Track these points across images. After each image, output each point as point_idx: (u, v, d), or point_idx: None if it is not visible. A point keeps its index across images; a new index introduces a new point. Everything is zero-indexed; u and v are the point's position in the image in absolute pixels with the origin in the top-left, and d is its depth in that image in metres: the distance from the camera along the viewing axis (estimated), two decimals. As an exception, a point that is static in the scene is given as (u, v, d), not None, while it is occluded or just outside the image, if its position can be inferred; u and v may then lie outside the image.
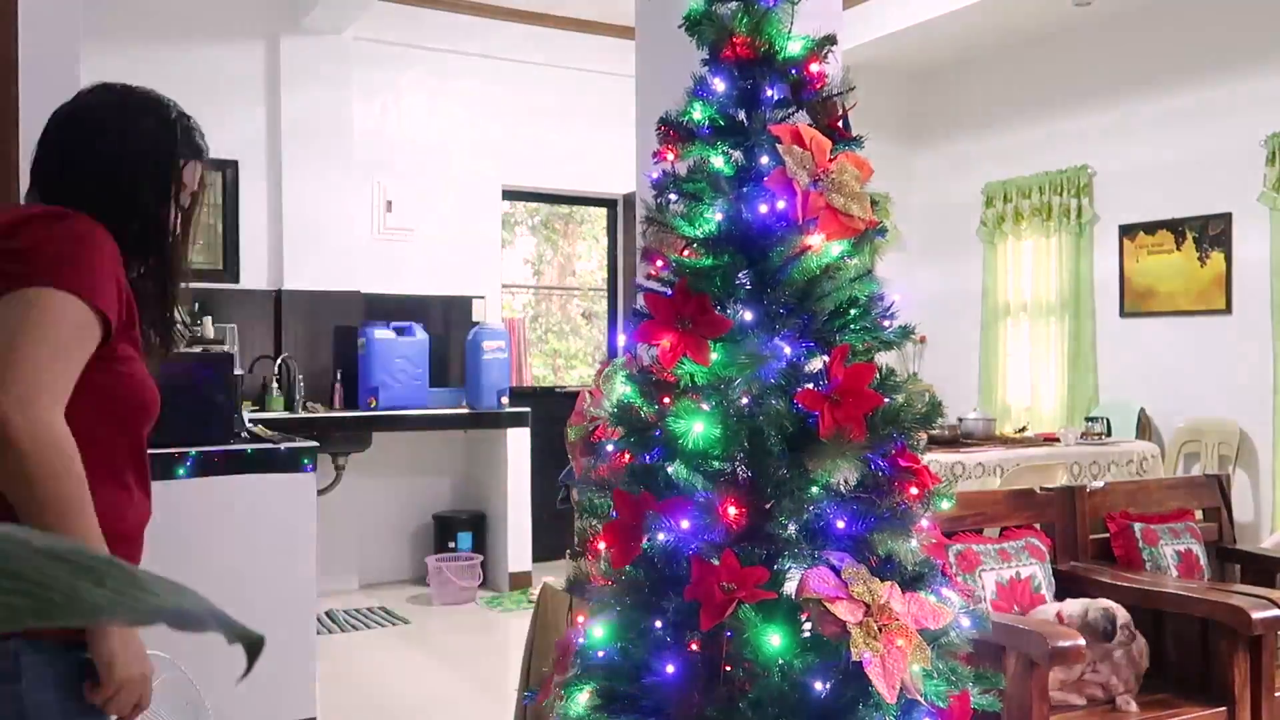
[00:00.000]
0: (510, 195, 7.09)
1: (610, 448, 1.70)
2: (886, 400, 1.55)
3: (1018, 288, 7.23)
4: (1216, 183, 6.01)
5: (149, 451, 1.58)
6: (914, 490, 1.59)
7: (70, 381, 1.34)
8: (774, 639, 1.46)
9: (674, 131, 1.69)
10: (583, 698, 1.62)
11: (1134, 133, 6.47)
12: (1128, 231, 6.52)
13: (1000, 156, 7.29)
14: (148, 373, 1.53)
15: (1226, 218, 5.99)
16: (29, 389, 1.28)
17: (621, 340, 1.71)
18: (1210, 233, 6.08)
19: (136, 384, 1.49)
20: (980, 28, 6.80)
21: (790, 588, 1.52)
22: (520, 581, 6.17)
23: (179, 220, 1.59)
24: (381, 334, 6.03)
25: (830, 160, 1.57)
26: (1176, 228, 6.24)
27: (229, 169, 6.02)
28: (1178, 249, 6.24)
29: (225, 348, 4.40)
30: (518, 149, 6.80)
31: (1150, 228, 6.39)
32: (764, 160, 1.58)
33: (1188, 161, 6.17)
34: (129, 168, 1.52)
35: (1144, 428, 6.33)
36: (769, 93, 1.64)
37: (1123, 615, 2.69)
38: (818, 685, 1.49)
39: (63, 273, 1.34)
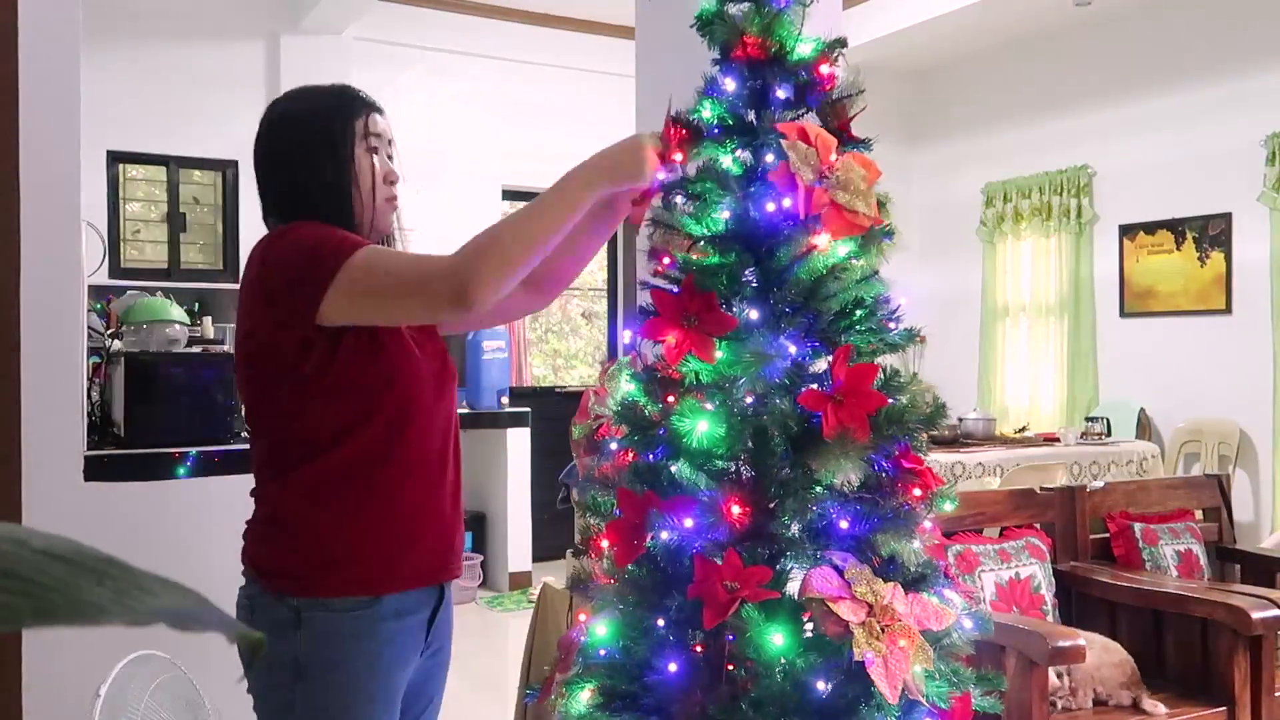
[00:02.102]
0: (510, 195, 7.08)
1: (614, 446, 1.69)
2: (890, 401, 1.54)
3: (1017, 288, 7.22)
4: (1216, 183, 6.01)
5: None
6: (917, 491, 1.58)
7: None
8: (776, 638, 1.46)
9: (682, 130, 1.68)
10: (584, 696, 1.61)
11: (1134, 133, 6.46)
12: (1128, 231, 6.51)
13: (1000, 156, 7.28)
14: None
15: (1226, 218, 5.99)
16: (430, 264, 1.61)
17: (624, 338, 1.70)
18: (1210, 233, 6.07)
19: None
20: (980, 28, 6.80)
21: (793, 587, 1.52)
22: (520, 581, 6.16)
23: (370, 165, 1.73)
24: (381, 334, 6.01)
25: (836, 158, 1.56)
26: (1176, 228, 6.24)
27: (229, 169, 6.02)
28: (1178, 249, 6.24)
29: (225, 348, 4.39)
30: (518, 149, 6.79)
31: (1150, 228, 6.39)
32: (770, 159, 1.57)
33: (1188, 161, 6.17)
34: (320, 171, 1.67)
35: (1144, 428, 6.32)
36: (779, 93, 1.63)
37: None
38: (820, 685, 1.49)
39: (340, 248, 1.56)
